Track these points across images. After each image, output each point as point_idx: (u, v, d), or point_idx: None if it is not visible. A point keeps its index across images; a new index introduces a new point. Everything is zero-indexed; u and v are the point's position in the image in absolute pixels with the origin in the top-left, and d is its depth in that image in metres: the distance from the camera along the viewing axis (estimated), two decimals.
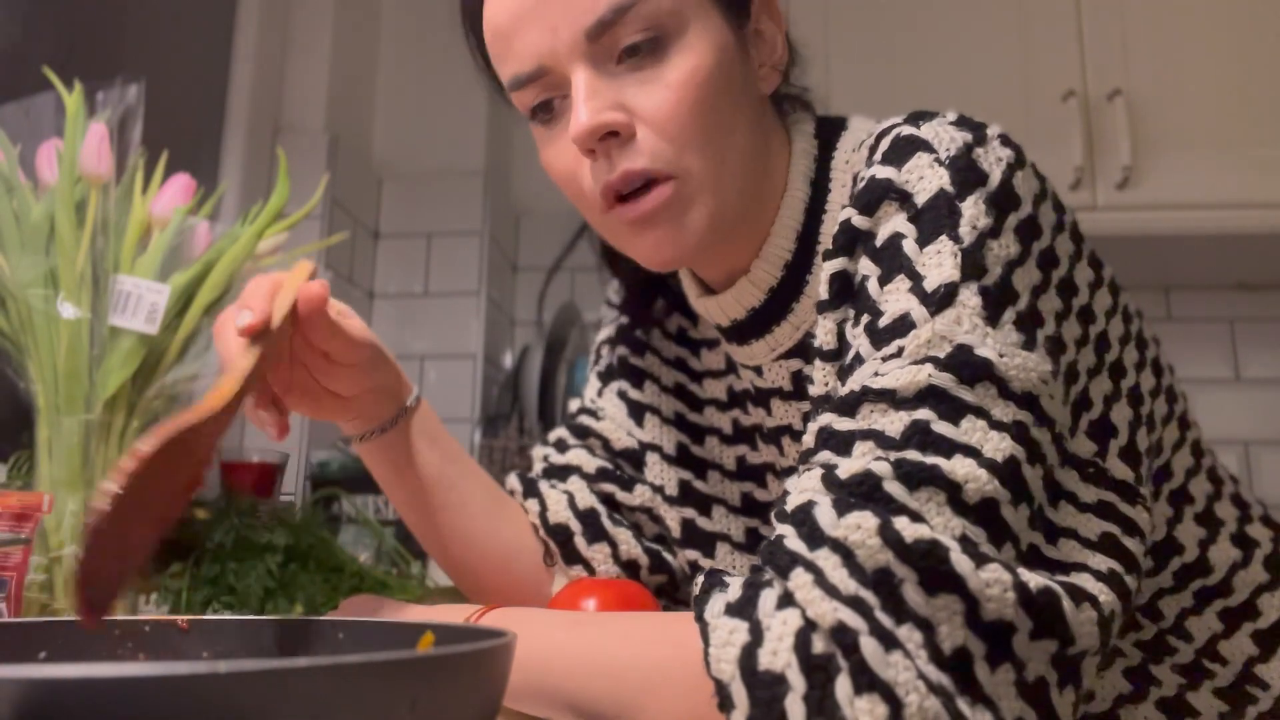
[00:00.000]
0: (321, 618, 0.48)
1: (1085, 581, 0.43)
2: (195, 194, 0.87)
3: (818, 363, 0.56)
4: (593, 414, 0.83)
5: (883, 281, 0.50)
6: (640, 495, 0.79)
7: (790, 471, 0.71)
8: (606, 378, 0.84)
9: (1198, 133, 1.70)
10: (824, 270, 0.55)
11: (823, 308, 0.55)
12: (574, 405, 0.87)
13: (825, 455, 0.46)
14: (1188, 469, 0.64)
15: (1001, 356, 0.45)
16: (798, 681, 0.37)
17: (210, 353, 0.82)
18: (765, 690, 0.38)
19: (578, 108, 0.57)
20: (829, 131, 0.67)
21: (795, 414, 0.68)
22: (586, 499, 0.77)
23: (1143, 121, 1.70)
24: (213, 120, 1.66)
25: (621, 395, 0.82)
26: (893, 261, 0.50)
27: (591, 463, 0.80)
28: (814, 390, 0.57)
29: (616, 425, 0.81)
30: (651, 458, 0.79)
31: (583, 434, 0.82)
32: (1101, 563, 0.45)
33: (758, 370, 0.70)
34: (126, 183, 0.84)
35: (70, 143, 0.80)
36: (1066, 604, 0.41)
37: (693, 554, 0.77)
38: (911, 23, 1.82)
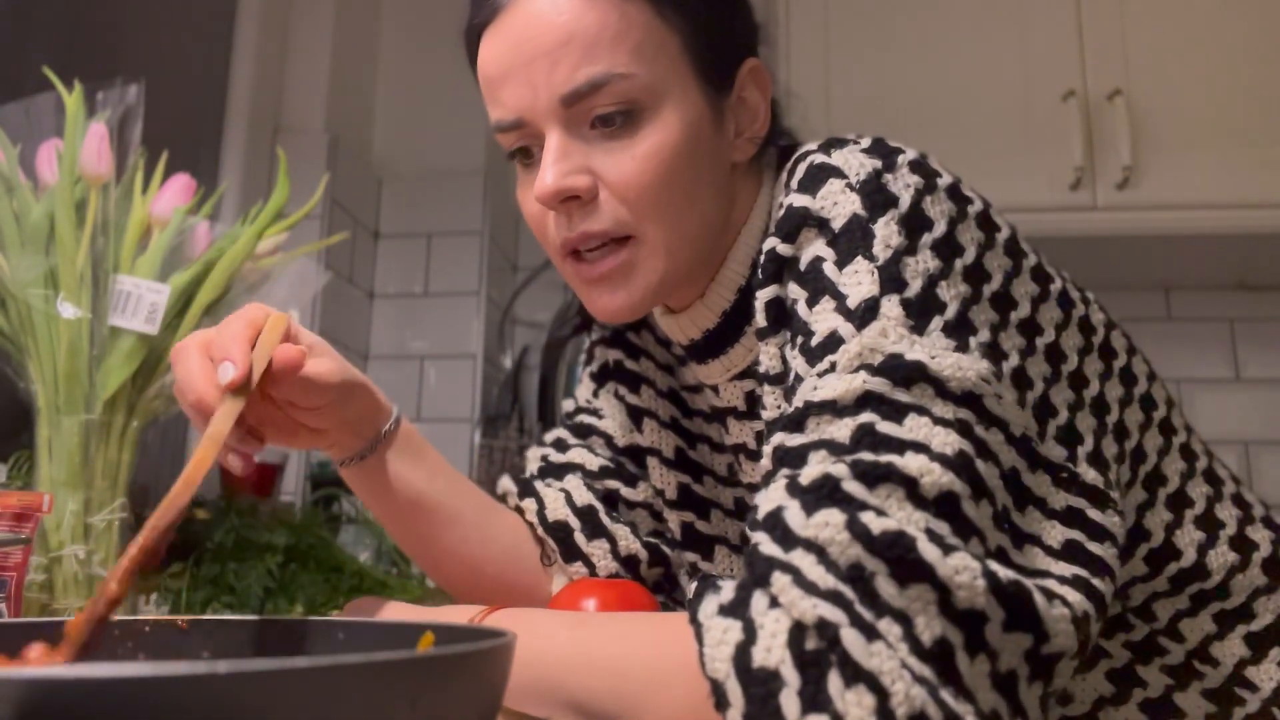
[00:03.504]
0: (321, 618, 0.48)
1: (1050, 584, 0.44)
2: (195, 194, 0.87)
3: (767, 387, 0.59)
4: (593, 413, 0.83)
5: (810, 303, 0.52)
6: (644, 491, 0.80)
7: (754, 488, 0.72)
8: (601, 378, 0.84)
9: (1198, 133, 1.69)
10: (758, 299, 0.58)
11: (762, 334, 0.58)
12: (568, 405, 0.87)
13: (784, 470, 0.47)
14: (1181, 472, 0.64)
15: (933, 358, 0.46)
16: (792, 677, 0.38)
17: None
18: (760, 687, 0.38)
19: (545, 168, 0.61)
20: (786, 163, 0.69)
21: (749, 433, 0.71)
22: (584, 496, 0.77)
23: (1143, 121, 1.70)
24: (213, 120, 1.66)
25: (619, 398, 0.82)
26: (817, 284, 0.52)
27: (594, 461, 0.80)
28: (767, 415, 0.60)
29: (618, 424, 0.82)
30: (652, 461, 0.79)
31: (584, 433, 0.83)
32: (1065, 569, 0.46)
33: (715, 389, 0.72)
34: (126, 183, 0.84)
35: (70, 143, 0.80)
36: (1039, 599, 0.41)
37: (692, 556, 0.77)
38: (911, 23, 1.82)
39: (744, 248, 0.67)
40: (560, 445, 0.83)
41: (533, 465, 0.82)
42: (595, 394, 0.85)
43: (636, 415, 0.81)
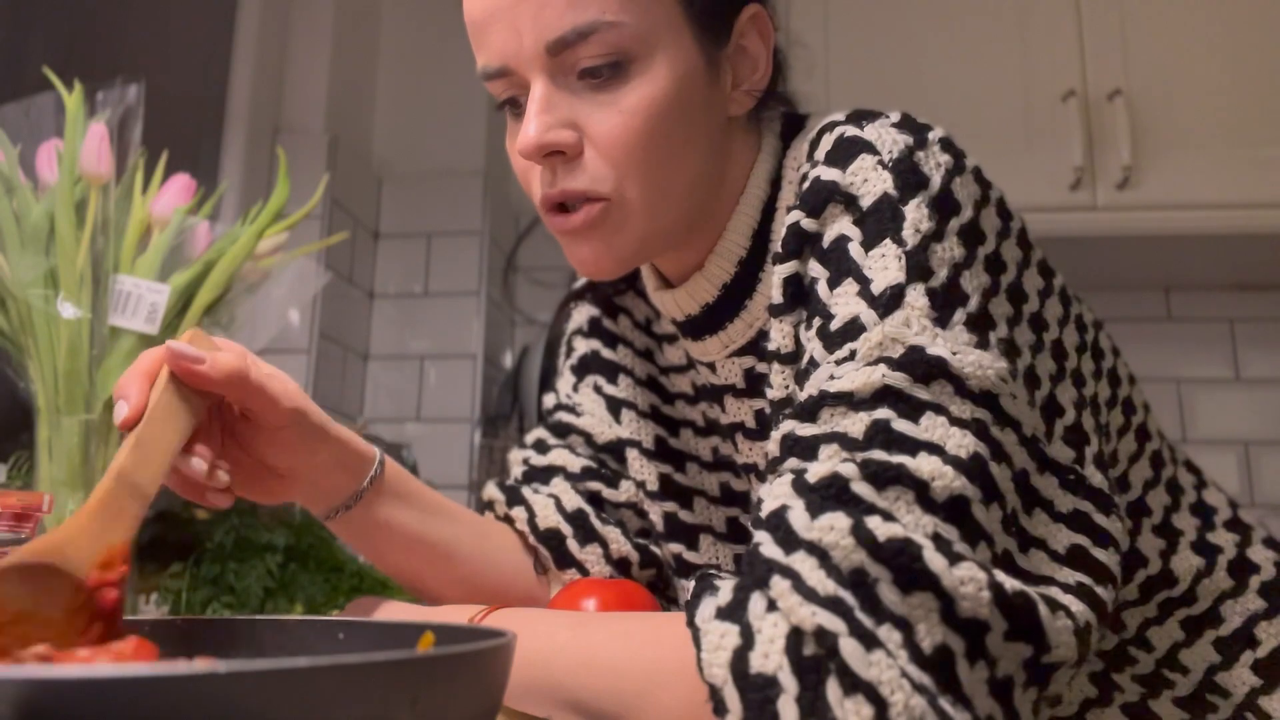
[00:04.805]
0: (321, 618, 0.48)
1: (1054, 593, 0.44)
2: (195, 194, 0.87)
3: (775, 365, 0.57)
4: (571, 410, 0.82)
5: (831, 284, 0.51)
6: (626, 491, 0.79)
7: (749, 468, 0.71)
8: (581, 371, 0.83)
9: (1198, 133, 1.69)
10: (775, 274, 0.56)
11: (777, 311, 0.56)
12: (549, 401, 0.85)
13: (793, 462, 0.46)
14: (1146, 480, 0.64)
15: (955, 355, 0.46)
16: (790, 683, 0.38)
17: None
18: (757, 693, 0.38)
19: (529, 120, 0.58)
20: (791, 130, 0.68)
21: (748, 411, 0.69)
22: (573, 500, 0.76)
23: (1143, 121, 1.70)
24: (213, 120, 1.66)
25: (598, 390, 0.81)
26: (840, 265, 0.51)
27: (575, 462, 0.79)
28: (772, 394, 0.58)
29: (597, 420, 0.81)
30: (632, 453, 0.78)
31: (563, 432, 0.81)
32: (1069, 576, 0.45)
33: (711, 367, 0.70)
34: (126, 183, 0.84)
35: (70, 143, 0.80)
36: (1043, 610, 0.41)
37: (676, 547, 0.76)
38: (911, 23, 1.82)
39: (744, 217, 0.65)
40: (541, 447, 0.81)
41: (516, 470, 0.81)
42: (575, 388, 0.83)
43: (615, 407, 0.80)
